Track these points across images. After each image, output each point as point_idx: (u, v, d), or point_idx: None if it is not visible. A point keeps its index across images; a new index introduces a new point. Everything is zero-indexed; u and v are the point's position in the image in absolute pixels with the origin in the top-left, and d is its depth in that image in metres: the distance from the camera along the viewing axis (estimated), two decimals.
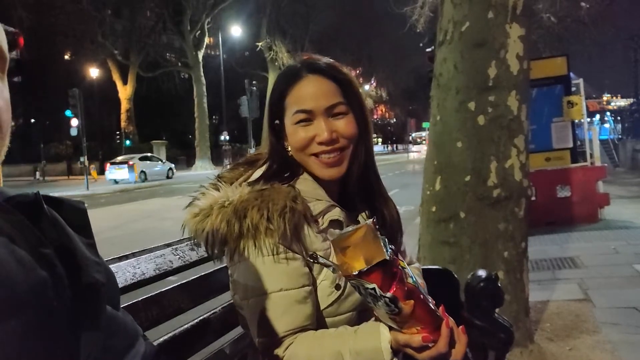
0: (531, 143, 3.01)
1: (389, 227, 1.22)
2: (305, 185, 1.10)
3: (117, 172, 22.66)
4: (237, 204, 1.01)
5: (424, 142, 51.34)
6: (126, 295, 1.04)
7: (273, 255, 1.00)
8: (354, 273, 0.85)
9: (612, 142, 20.23)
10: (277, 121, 1.14)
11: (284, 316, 1.00)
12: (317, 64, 1.12)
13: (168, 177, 25.06)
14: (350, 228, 0.90)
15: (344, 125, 1.10)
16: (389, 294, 0.85)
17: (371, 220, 0.90)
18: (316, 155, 1.09)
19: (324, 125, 1.08)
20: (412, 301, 0.87)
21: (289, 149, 1.13)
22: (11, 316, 0.48)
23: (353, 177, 1.16)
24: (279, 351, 1.00)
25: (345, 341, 0.98)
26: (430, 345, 0.91)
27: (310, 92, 1.09)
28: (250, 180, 1.10)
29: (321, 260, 0.91)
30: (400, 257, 0.90)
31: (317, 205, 1.08)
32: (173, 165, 26.70)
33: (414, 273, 0.92)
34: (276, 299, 1.00)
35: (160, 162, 25.79)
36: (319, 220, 1.07)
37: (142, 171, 23.18)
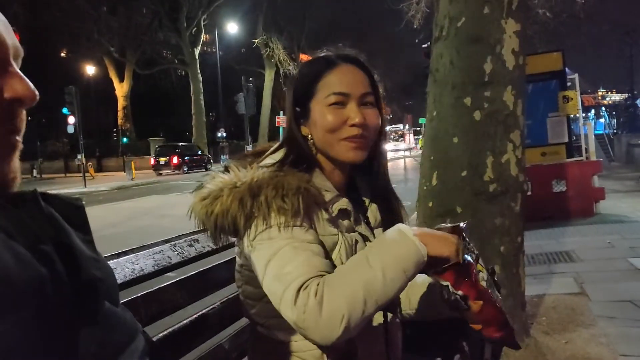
0: (527, 138, 3.02)
1: (396, 221, 1.25)
2: (315, 177, 1.11)
3: None
4: (252, 182, 1.01)
5: (401, 139, 47.18)
6: (125, 291, 1.05)
7: (281, 224, 0.98)
8: (431, 271, 0.97)
9: (607, 137, 20.27)
10: (297, 108, 1.15)
11: (312, 259, 0.95)
12: (351, 55, 1.16)
13: None
14: (443, 225, 1.02)
15: (372, 115, 1.14)
16: (460, 292, 0.96)
17: (465, 222, 1.01)
18: (344, 138, 1.11)
19: (357, 109, 1.11)
20: (481, 302, 0.97)
21: (310, 137, 1.15)
22: (10, 312, 0.49)
23: (381, 172, 1.21)
24: (312, 285, 0.91)
25: (364, 252, 0.98)
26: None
27: (347, 77, 1.12)
28: (262, 164, 1.10)
29: None
30: (480, 262, 1.01)
31: (326, 195, 1.09)
32: None
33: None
34: (290, 251, 0.95)
35: None
36: (329, 208, 1.09)
37: None
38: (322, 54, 1.19)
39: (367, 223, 1.21)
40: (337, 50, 1.18)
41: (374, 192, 1.24)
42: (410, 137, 52.52)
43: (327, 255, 1.04)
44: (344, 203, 1.12)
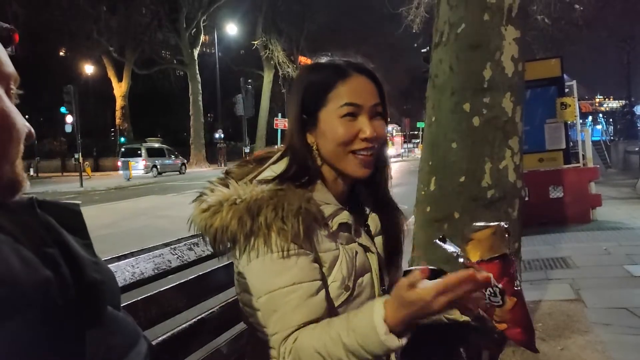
0: (524, 144, 3.03)
1: (396, 231, 1.26)
2: (316, 190, 1.11)
3: None
4: (251, 201, 1.01)
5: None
6: (125, 295, 1.05)
7: (283, 251, 1.00)
8: (477, 260, 0.98)
9: (604, 144, 20.33)
10: (305, 115, 1.13)
11: (298, 309, 1.00)
12: (363, 65, 1.15)
13: None
14: (482, 223, 1.02)
15: (381, 126, 1.13)
16: (499, 285, 0.98)
17: (504, 222, 1.03)
18: (355, 152, 1.10)
19: (369, 122, 1.10)
20: (515, 299, 1.00)
21: (314, 146, 1.13)
22: (17, 314, 0.49)
23: (382, 182, 1.21)
24: (288, 343, 0.99)
25: (343, 322, 0.98)
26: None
27: (359, 88, 1.11)
28: (261, 178, 1.09)
29: (448, 245, 1.00)
30: (515, 264, 1.03)
31: (327, 208, 1.09)
32: None
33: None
34: (289, 293, 1.00)
35: None
36: (329, 223, 1.08)
37: None
38: (332, 62, 1.16)
39: (368, 232, 1.21)
40: (345, 57, 1.16)
41: (374, 201, 1.23)
42: (399, 142, 49.90)
43: (323, 277, 1.06)
44: (344, 217, 1.11)
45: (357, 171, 1.11)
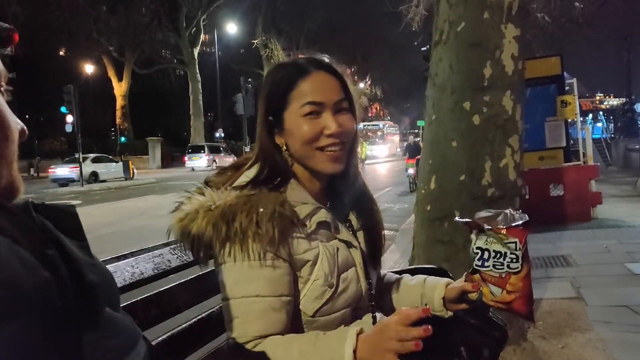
0: (525, 142, 3.03)
1: (375, 225, 1.26)
2: (291, 190, 1.11)
3: None
4: (225, 207, 1.01)
5: (379, 141, 38.80)
6: (125, 295, 1.05)
7: (259, 260, 1.01)
8: (504, 226, 1.05)
9: (604, 141, 20.33)
10: (270, 117, 1.14)
11: (257, 321, 1.00)
12: (323, 61, 1.15)
13: None
14: (486, 213, 1.11)
15: (348, 121, 1.12)
16: (523, 250, 1.03)
17: (509, 210, 1.09)
18: (322, 149, 1.10)
19: (332, 118, 1.10)
20: (527, 266, 1.04)
21: (284, 147, 1.13)
22: (16, 316, 0.49)
23: (351, 176, 1.20)
24: (248, 346, 1.00)
25: (311, 340, 0.99)
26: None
27: (320, 86, 1.11)
28: (236, 184, 1.10)
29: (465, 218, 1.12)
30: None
31: (304, 208, 1.09)
32: None
33: None
34: (251, 304, 1.01)
35: None
36: (307, 223, 1.08)
37: None
38: (294, 60, 1.17)
39: (350, 226, 1.21)
40: (308, 55, 1.17)
41: (351, 196, 1.23)
42: (395, 140, 45.92)
43: (296, 290, 1.06)
44: (322, 215, 1.11)
45: (327, 167, 1.11)
